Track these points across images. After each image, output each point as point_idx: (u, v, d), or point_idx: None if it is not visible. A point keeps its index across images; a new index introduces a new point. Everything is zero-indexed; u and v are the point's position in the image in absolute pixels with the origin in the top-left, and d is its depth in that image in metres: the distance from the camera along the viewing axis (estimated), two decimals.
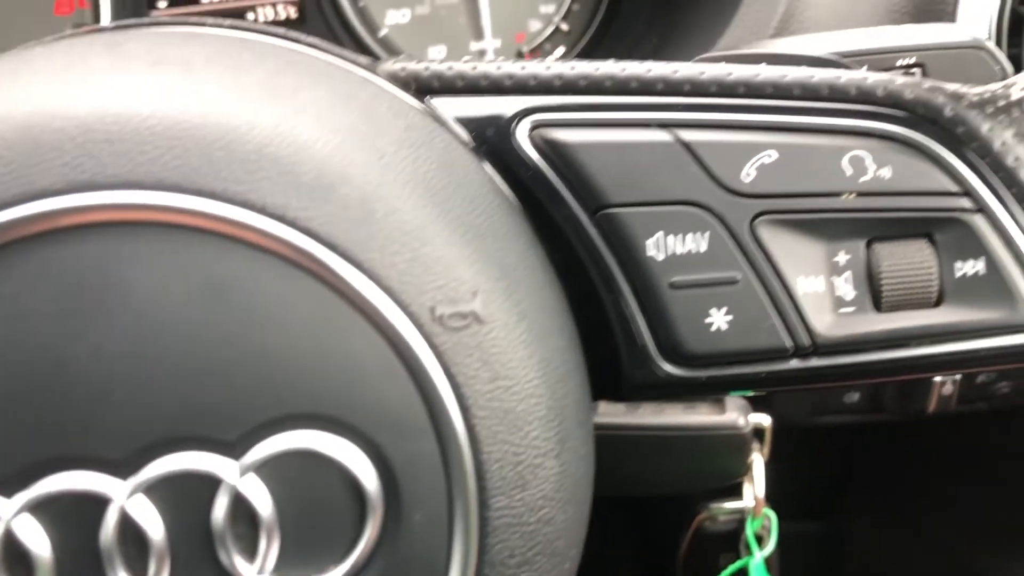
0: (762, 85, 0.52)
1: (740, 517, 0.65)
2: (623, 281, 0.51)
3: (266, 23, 1.07)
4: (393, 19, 1.07)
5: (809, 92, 0.52)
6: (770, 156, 0.51)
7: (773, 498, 0.62)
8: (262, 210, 0.40)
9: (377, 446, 0.41)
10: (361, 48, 1.05)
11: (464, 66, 0.52)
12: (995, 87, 0.54)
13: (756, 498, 0.59)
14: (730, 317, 0.51)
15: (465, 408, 0.41)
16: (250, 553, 0.40)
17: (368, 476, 0.40)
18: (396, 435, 0.41)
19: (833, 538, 1.09)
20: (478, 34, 1.07)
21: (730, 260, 0.50)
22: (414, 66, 0.52)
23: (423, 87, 0.52)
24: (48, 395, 0.38)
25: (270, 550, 0.40)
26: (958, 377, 0.71)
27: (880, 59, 0.62)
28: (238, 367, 0.39)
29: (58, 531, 0.39)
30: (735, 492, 0.62)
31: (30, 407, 0.38)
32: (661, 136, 0.51)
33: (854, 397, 0.77)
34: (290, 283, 0.40)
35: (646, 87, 0.52)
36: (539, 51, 1.08)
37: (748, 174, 0.51)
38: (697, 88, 0.52)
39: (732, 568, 0.66)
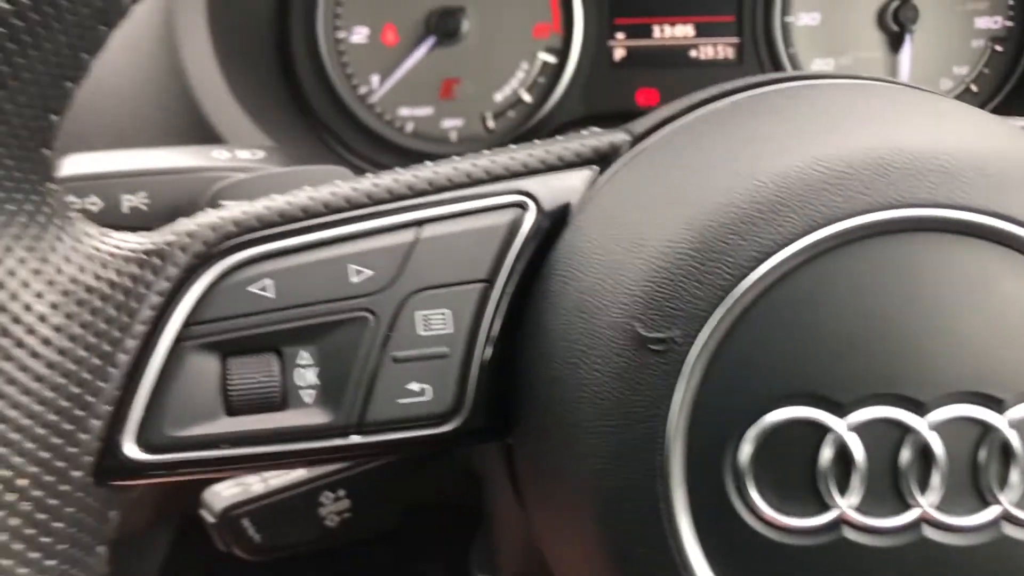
0: None
1: None
2: None
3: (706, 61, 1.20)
4: (818, 67, 1.17)
5: None
6: None
7: None
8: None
9: None
10: None
11: None
12: None
13: None
14: None
15: None
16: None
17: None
18: None
19: None
20: None
21: None
22: None
23: None
24: (877, 352, 0.51)
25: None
26: None
27: None
28: (1007, 349, 0.51)
29: (870, 447, 0.52)
30: None
31: (866, 358, 0.52)
32: None
33: None
34: None
35: None
36: None
37: None
38: None
39: None
